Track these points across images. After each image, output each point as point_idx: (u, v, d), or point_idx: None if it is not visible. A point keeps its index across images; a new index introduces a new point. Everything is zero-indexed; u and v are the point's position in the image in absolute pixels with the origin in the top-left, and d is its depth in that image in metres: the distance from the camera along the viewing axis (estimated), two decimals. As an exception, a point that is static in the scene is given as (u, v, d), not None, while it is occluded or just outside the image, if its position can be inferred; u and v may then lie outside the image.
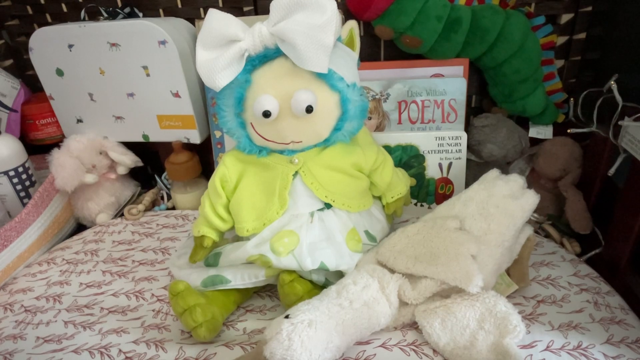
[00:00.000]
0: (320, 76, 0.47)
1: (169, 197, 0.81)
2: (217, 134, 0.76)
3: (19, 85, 0.81)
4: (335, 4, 0.45)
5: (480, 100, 0.79)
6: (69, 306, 0.58)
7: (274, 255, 0.49)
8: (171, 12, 0.78)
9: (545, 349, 0.45)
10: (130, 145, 0.80)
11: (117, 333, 0.52)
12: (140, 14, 0.74)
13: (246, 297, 0.56)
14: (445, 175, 0.70)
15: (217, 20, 0.47)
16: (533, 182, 0.73)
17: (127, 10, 0.73)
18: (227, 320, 0.53)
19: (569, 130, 0.68)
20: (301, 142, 0.51)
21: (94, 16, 0.74)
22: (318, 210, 0.54)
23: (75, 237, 0.74)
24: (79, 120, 0.79)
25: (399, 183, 0.60)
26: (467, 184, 0.67)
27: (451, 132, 0.69)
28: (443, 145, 0.69)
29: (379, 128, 0.73)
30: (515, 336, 0.43)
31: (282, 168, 0.53)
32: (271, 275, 0.51)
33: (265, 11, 0.55)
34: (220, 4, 0.76)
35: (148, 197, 0.80)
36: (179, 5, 0.77)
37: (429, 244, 0.49)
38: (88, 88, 0.75)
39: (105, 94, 0.74)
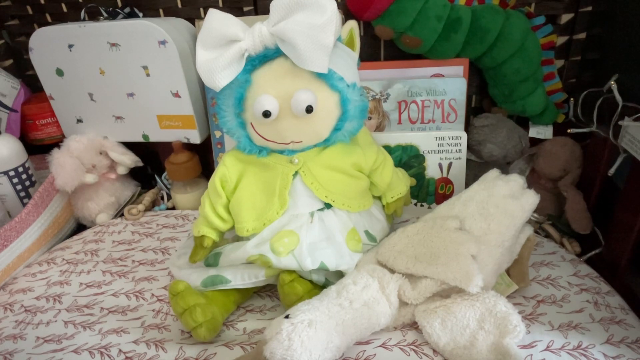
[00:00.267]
0: (320, 76, 0.47)
1: (169, 197, 0.81)
2: (217, 134, 0.76)
3: (19, 85, 0.80)
4: (335, 4, 0.45)
5: (480, 100, 0.79)
6: (69, 306, 0.58)
7: (274, 255, 0.49)
8: (171, 12, 0.78)
9: (545, 349, 0.45)
10: (130, 145, 0.80)
11: (117, 333, 0.52)
12: (140, 14, 0.74)
13: (246, 297, 0.56)
14: (445, 175, 0.70)
15: (217, 20, 0.47)
16: (533, 182, 0.73)
17: (127, 10, 0.73)
18: (227, 320, 0.53)
19: (569, 130, 0.68)
20: (301, 142, 0.51)
21: (94, 16, 0.74)
22: (318, 210, 0.54)
23: (75, 237, 0.74)
24: (79, 120, 0.79)
25: (399, 183, 0.60)
26: (467, 184, 0.67)
27: (451, 132, 0.69)
28: (443, 145, 0.69)
29: (379, 128, 0.73)
30: (515, 336, 0.42)
31: (282, 168, 0.53)
32: (271, 275, 0.51)
33: (265, 11, 0.55)
34: (220, 4, 0.76)
35: (148, 197, 0.80)
36: (179, 5, 0.77)
37: (429, 244, 0.49)
38: (88, 88, 0.75)
39: (105, 94, 0.74)
